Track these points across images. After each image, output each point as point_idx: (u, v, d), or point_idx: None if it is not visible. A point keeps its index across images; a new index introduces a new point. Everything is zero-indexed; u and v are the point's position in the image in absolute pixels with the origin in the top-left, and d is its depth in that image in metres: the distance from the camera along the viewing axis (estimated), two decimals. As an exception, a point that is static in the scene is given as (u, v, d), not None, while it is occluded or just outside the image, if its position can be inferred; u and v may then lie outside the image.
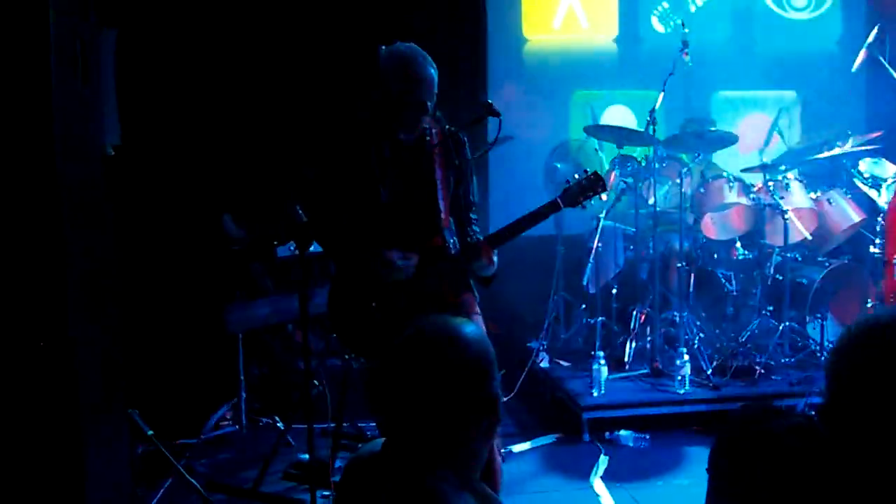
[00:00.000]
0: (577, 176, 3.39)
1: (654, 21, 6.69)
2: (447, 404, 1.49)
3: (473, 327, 1.59)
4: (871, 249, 5.33)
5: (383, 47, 3.26)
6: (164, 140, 5.35)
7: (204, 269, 5.20)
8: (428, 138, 3.32)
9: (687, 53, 5.14)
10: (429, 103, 3.20)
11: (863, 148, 5.51)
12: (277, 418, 4.76)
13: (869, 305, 5.18)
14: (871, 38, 5.44)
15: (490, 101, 3.26)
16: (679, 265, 5.19)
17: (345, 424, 4.17)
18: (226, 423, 4.78)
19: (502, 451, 4.24)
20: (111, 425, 3.13)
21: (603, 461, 4.23)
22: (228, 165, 5.48)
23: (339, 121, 3.47)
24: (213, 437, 4.63)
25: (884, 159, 5.39)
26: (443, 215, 3.31)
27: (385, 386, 1.53)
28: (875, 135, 5.75)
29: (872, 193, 5.29)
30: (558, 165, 5.70)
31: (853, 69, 5.54)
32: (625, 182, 5.34)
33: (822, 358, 4.92)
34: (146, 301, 4.86)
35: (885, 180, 5.22)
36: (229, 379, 4.73)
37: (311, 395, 3.41)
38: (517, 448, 4.44)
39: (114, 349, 3.11)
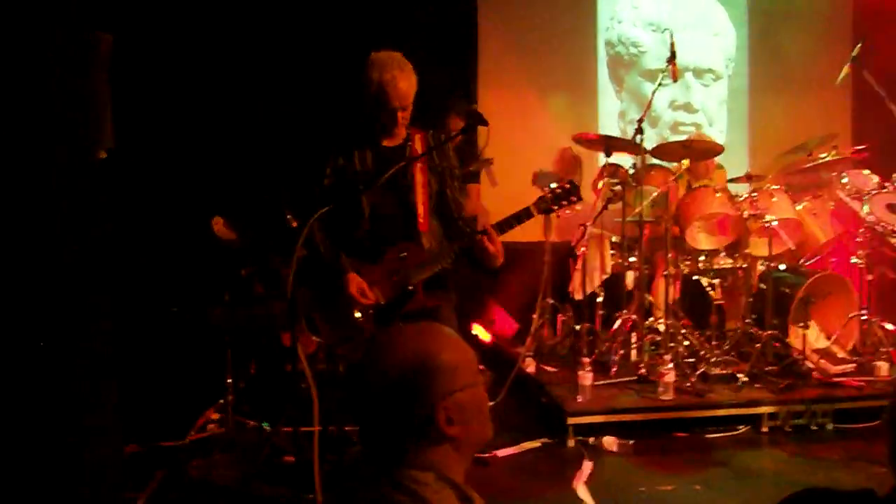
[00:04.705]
0: (554, 185, 3.43)
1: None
2: (379, 420, 1.54)
3: (418, 344, 1.56)
4: (854, 260, 5.40)
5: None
6: (158, 143, 5.39)
7: (193, 272, 5.22)
8: (409, 143, 3.37)
9: (675, 64, 5.20)
10: (405, 110, 3.25)
11: (848, 157, 5.61)
12: (264, 421, 4.77)
13: (850, 315, 5.26)
14: (855, 52, 5.51)
15: (478, 110, 3.30)
16: (665, 273, 5.25)
17: (331, 428, 4.19)
18: (213, 425, 4.79)
19: (486, 455, 4.29)
20: (104, 424, 3.15)
21: (587, 466, 4.26)
22: (220, 170, 5.51)
23: (327, 128, 3.51)
24: (200, 439, 4.64)
25: (868, 171, 5.47)
26: (421, 219, 3.35)
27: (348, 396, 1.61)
28: (860, 147, 5.84)
29: (856, 205, 5.35)
30: (545, 174, 5.75)
31: (837, 82, 5.61)
32: (612, 190, 5.39)
33: (804, 366, 4.98)
34: (135, 303, 4.86)
35: (869, 192, 5.29)
36: (216, 381, 4.74)
37: (298, 399, 3.43)
38: (502, 453, 4.46)
39: (107, 349, 3.14)
